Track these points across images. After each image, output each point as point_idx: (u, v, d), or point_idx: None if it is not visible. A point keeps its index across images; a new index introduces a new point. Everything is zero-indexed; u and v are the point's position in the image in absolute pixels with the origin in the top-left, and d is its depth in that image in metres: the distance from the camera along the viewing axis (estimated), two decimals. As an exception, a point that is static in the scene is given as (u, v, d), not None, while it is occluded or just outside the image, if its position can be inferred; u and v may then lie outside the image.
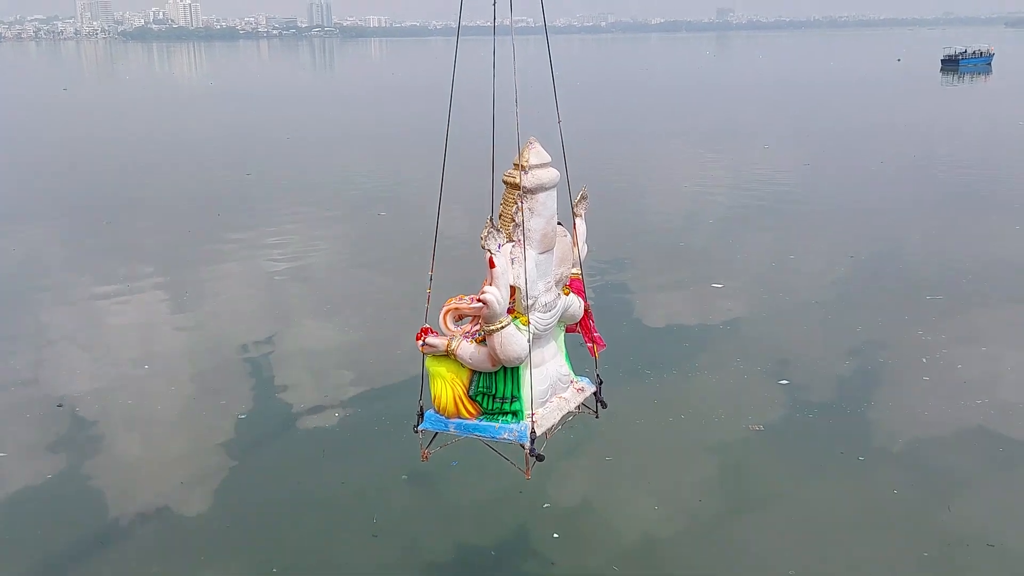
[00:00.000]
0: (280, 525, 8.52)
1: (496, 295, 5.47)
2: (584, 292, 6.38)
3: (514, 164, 5.64)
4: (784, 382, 11.66)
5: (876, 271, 16.97)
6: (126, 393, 11.55)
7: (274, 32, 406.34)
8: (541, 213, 5.68)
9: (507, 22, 5.83)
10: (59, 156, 33.05)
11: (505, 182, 5.71)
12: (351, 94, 57.12)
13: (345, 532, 8.39)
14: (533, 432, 5.67)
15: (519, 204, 5.58)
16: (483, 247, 5.46)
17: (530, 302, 5.66)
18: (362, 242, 19.80)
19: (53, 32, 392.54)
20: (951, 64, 78.51)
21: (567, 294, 6.17)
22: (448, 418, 5.84)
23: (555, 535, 8.21)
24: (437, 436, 6.00)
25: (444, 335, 5.73)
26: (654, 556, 8.00)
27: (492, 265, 5.47)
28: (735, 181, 26.78)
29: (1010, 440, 10.05)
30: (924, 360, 12.34)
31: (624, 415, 10.39)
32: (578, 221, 6.23)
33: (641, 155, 32.63)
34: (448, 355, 5.73)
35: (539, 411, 5.89)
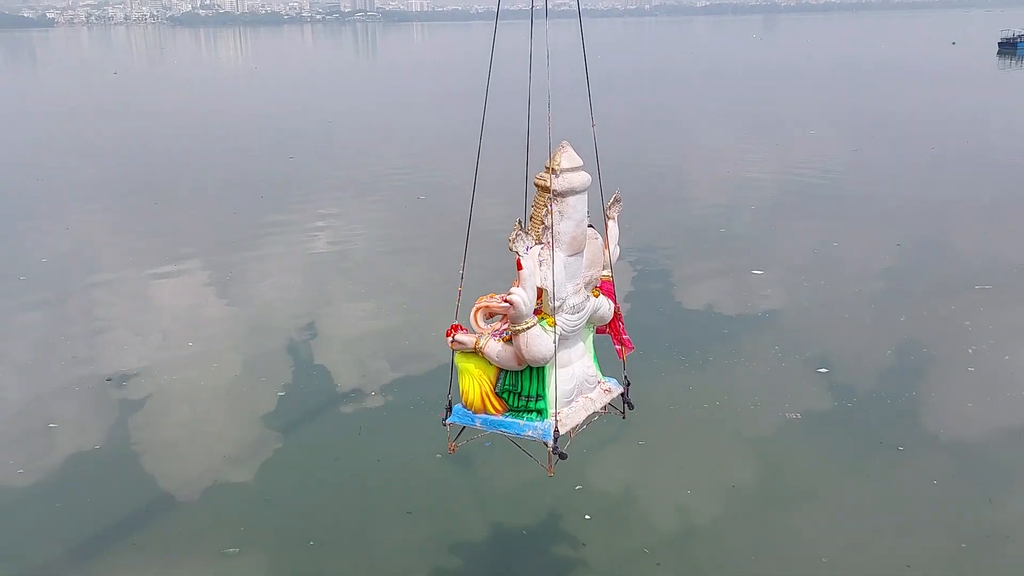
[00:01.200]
0: (317, 500, 8.68)
1: (523, 296, 5.58)
2: (614, 294, 6.44)
3: (545, 167, 5.70)
4: (823, 370, 11.53)
5: (923, 260, 16.67)
6: (171, 370, 11.81)
7: (317, 17, 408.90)
8: (571, 216, 5.74)
9: (543, 6, 5.80)
10: (109, 139, 33.71)
11: (536, 185, 5.77)
12: (393, 79, 57.36)
13: (380, 509, 8.51)
14: (556, 431, 5.79)
15: (549, 207, 5.65)
16: (511, 249, 5.57)
17: (557, 304, 5.74)
18: (401, 226, 19.93)
19: (104, 18, 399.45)
20: (1008, 47, 76.17)
21: (597, 296, 6.23)
22: (475, 413, 5.99)
23: (587, 516, 8.25)
24: (464, 430, 6.15)
25: (474, 332, 5.86)
26: (686, 540, 8.00)
27: (520, 267, 5.58)
28: (779, 168, 26.43)
29: (1055, 433, 9.85)
30: (970, 351, 12.11)
31: (659, 401, 10.39)
32: (610, 224, 6.29)
33: (683, 141, 32.34)
34: (476, 352, 5.87)
35: (564, 410, 6.01)
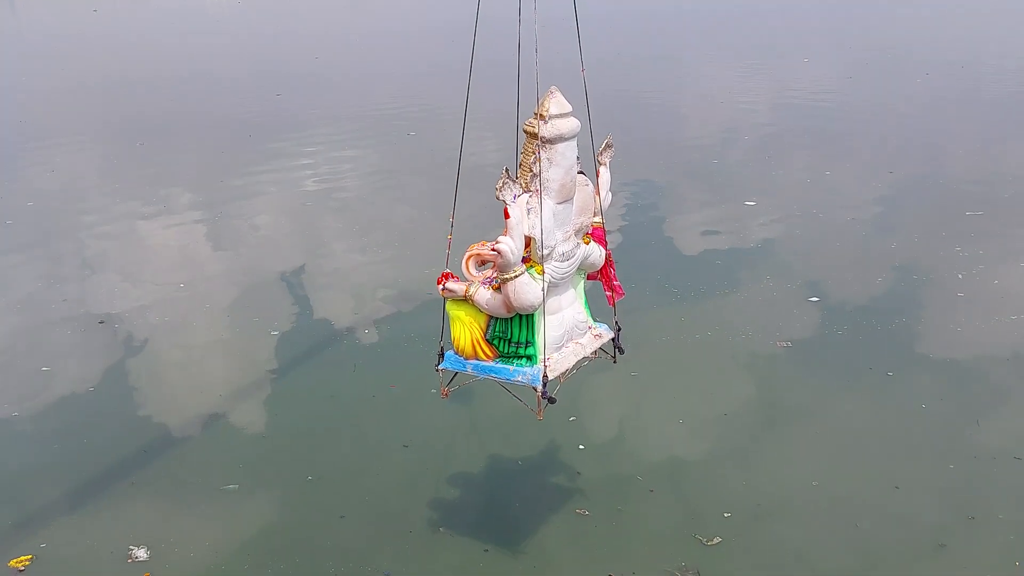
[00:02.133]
0: (314, 437, 8.78)
1: (510, 245, 5.62)
2: (605, 241, 6.48)
3: (535, 113, 5.66)
4: (814, 299, 11.60)
5: (915, 187, 16.63)
6: (163, 311, 11.83)
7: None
8: (560, 163, 5.71)
9: None
10: (92, 78, 33.15)
11: (525, 132, 5.75)
12: (381, 15, 56.28)
13: (376, 443, 8.63)
14: (545, 376, 5.90)
15: (537, 155, 5.63)
16: (498, 198, 5.59)
17: (546, 252, 5.78)
18: (392, 163, 19.78)
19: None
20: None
21: (587, 243, 6.26)
22: (467, 359, 6.11)
23: (580, 446, 8.36)
24: (457, 375, 6.29)
25: (466, 280, 5.94)
26: (679, 467, 8.13)
27: (507, 216, 5.61)
28: (773, 96, 26.17)
29: (1043, 356, 9.97)
30: (960, 276, 12.18)
31: (651, 332, 10.47)
32: (602, 169, 6.28)
33: (674, 70, 31.93)
34: (466, 300, 5.96)
35: (554, 356, 6.11)
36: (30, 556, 7.14)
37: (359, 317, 11.49)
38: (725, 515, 7.41)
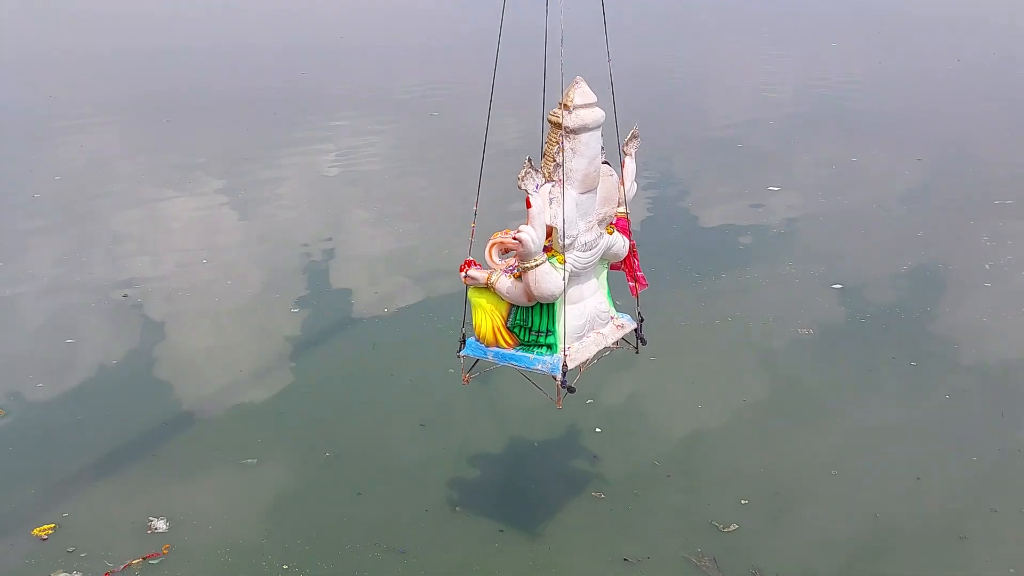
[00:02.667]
0: (333, 414, 8.81)
1: (531, 234, 5.63)
2: (630, 232, 6.45)
3: (559, 104, 5.66)
4: (838, 286, 11.48)
5: (943, 174, 16.41)
6: (187, 286, 11.89)
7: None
8: (584, 153, 5.70)
9: None
10: (120, 55, 33.30)
11: (550, 121, 5.75)
12: (407, -9, 56.15)
13: (394, 421, 8.64)
14: (565, 365, 5.93)
15: (560, 144, 5.63)
16: (520, 187, 5.60)
17: (567, 241, 5.79)
18: (415, 142, 19.75)
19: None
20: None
21: (611, 233, 6.25)
22: (488, 346, 6.17)
23: (598, 429, 8.34)
24: (478, 362, 6.34)
25: (489, 267, 5.96)
26: (696, 453, 8.09)
27: (528, 205, 5.62)
28: (800, 80, 25.87)
29: (1071, 348, 9.82)
30: (987, 266, 12.01)
31: (671, 316, 10.40)
32: (627, 160, 6.26)
33: (700, 52, 31.62)
34: (488, 288, 5.99)
35: (574, 345, 6.12)
36: (53, 525, 7.23)
37: (379, 296, 11.51)
38: (742, 502, 7.37)
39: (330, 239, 13.62)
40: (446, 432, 8.44)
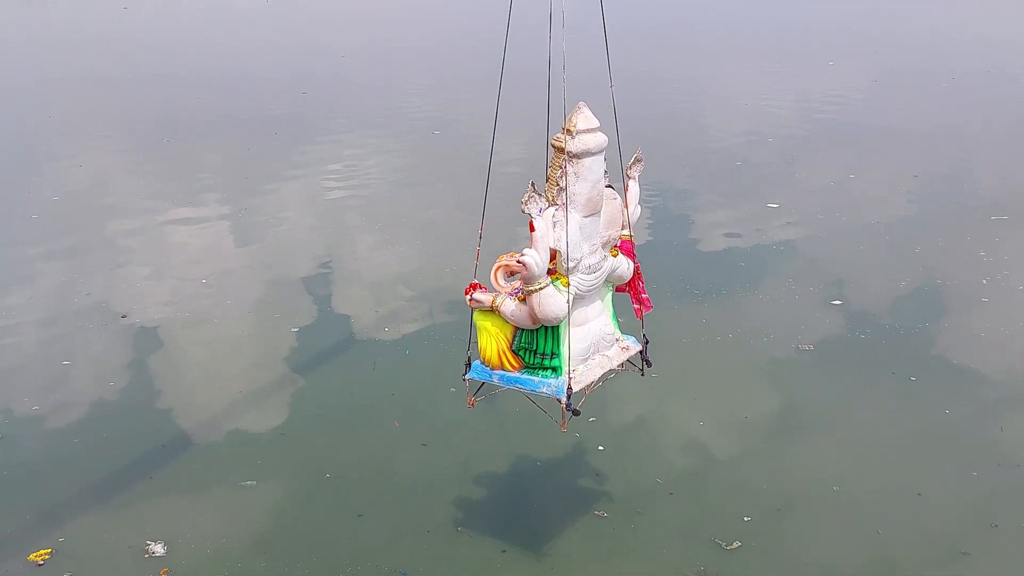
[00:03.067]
0: (333, 434, 8.79)
1: (535, 258, 5.69)
2: (634, 254, 6.51)
3: (563, 128, 5.74)
4: (837, 302, 11.49)
5: (940, 191, 16.47)
6: (186, 307, 11.89)
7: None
8: (587, 178, 5.78)
9: None
10: (119, 74, 33.43)
11: (553, 146, 5.83)
12: (408, 15, 56.39)
13: (395, 441, 8.62)
14: (570, 388, 5.97)
15: (564, 169, 5.70)
16: (524, 211, 5.67)
17: (571, 264, 5.85)
18: (417, 162, 19.79)
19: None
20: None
21: (615, 256, 6.31)
22: (493, 369, 6.22)
23: (600, 447, 8.32)
24: (484, 385, 6.38)
25: (495, 290, 6.02)
26: (698, 470, 8.08)
27: (532, 229, 5.68)
28: (797, 98, 26.00)
29: (1070, 363, 9.81)
30: (984, 281, 12.03)
31: (672, 333, 10.39)
32: (631, 183, 6.35)
33: (698, 70, 31.78)
34: (493, 310, 6.04)
35: (579, 368, 6.18)
36: (49, 550, 7.19)
37: (379, 315, 11.50)
38: (745, 519, 7.34)
39: (330, 259, 13.63)
40: (447, 451, 8.41)
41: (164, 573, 6.92)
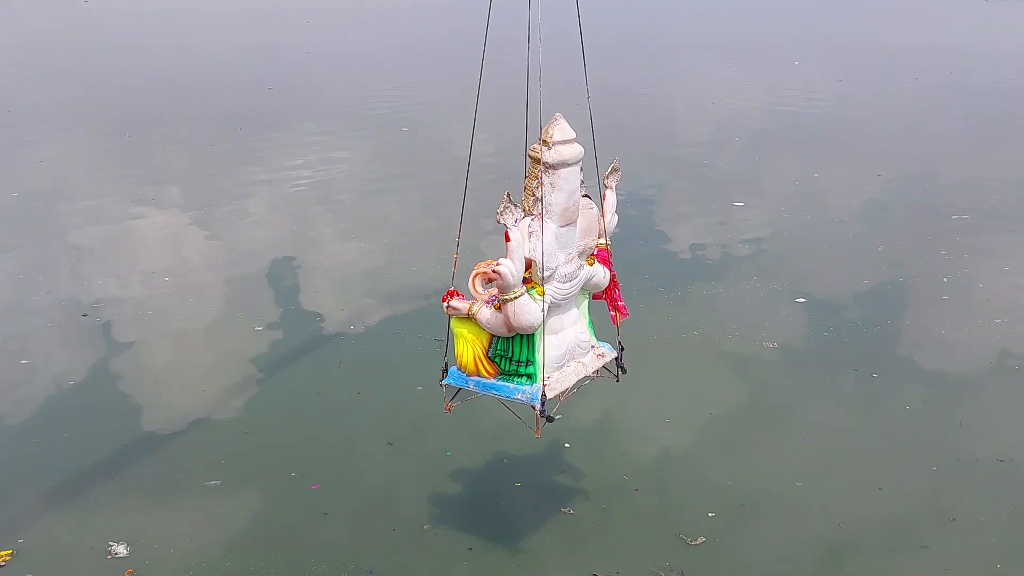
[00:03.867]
0: (298, 433, 8.73)
1: (510, 267, 5.76)
2: (611, 263, 6.61)
3: (539, 139, 5.83)
4: (801, 300, 11.62)
5: (902, 190, 16.71)
6: (148, 305, 11.74)
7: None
8: (563, 188, 5.87)
9: None
10: (80, 69, 32.95)
11: (530, 157, 5.91)
12: (375, 11, 56.13)
13: (361, 440, 8.58)
14: (544, 395, 6.06)
15: (540, 179, 5.78)
16: (499, 222, 5.75)
17: (547, 273, 5.93)
18: (384, 158, 19.72)
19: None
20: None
21: (592, 264, 6.41)
22: (469, 375, 6.29)
23: (567, 445, 8.35)
24: (460, 391, 6.46)
25: (473, 297, 6.07)
26: (664, 466, 8.13)
27: (507, 239, 5.76)
28: (763, 99, 26.26)
29: (1027, 359, 10.01)
30: (945, 279, 12.23)
31: (638, 331, 10.40)
32: (608, 193, 6.47)
33: (666, 71, 31.98)
34: (470, 318, 6.11)
35: (554, 375, 6.27)
36: (10, 552, 7.07)
37: (345, 313, 11.44)
38: (710, 515, 7.40)
39: (296, 257, 13.53)
40: (413, 450, 8.39)
41: (128, 574, 6.84)
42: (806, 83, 28.47)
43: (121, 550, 7.08)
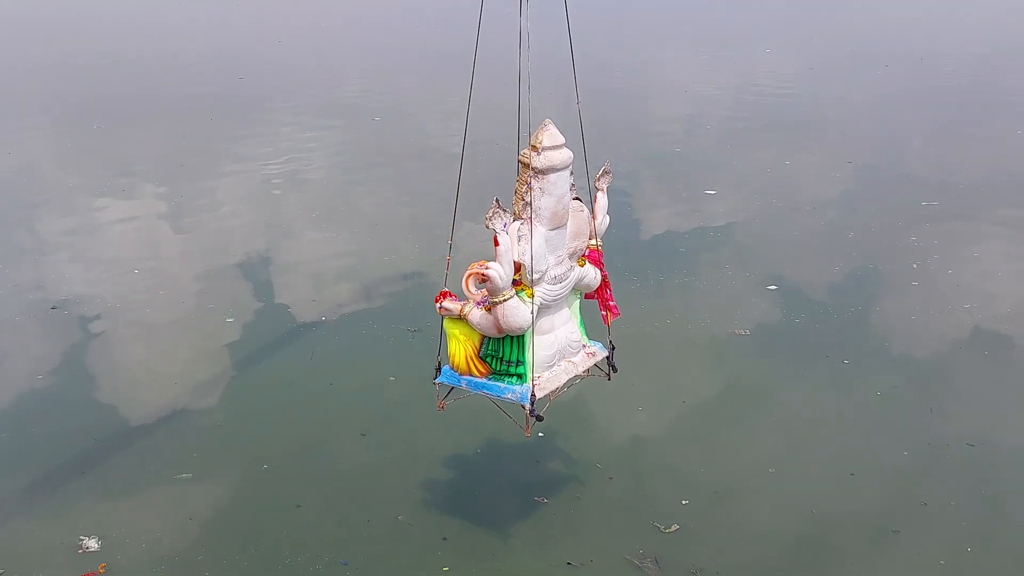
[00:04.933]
0: (270, 425, 8.67)
1: (499, 271, 5.86)
2: (602, 263, 6.73)
3: (530, 145, 5.94)
4: (773, 287, 11.69)
5: (873, 177, 16.84)
6: (118, 297, 11.60)
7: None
8: (552, 192, 5.97)
9: None
10: (48, 60, 32.42)
11: (520, 161, 6.02)
12: (350, 6, 55.69)
13: (333, 431, 8.54)
14: (533, 395, 6.18)
15: (529, 184, 5.90)
16: (488, 227, 5.85)
17: (536, 276, 6.03)
18: (356, 148, 19.58)
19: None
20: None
21: (582, 265, 6.53)
22: (461, 375, 6.40)
23: (540, 434, 8.34)
24: (452, 390, 6.57)
25: (466, 297, 6.16)
26: (638, 455, 8.16)
27: (496, 243, 5.86)
28: (735, 86, 26.34)
29: (995, 344, 10.13)
30: (915, 265, 12.35)
31: (613, 321, 10.44)
32: (599, 195, 6.57)
33: (638, 59, 31.99)
34: (461, 318, 6.20)
35: (544, 374, 6.40)
36: (-23, 548, 6.98)
37: (317, 304, 11.36)
38: (683, 502, 7.44)
39: (267, 247, 13.42)
40: (386, 441, 8.36)
41: (102, 569, 6.77)
42: (777, 71, 28.60)
43: (92, 544, 7.01)
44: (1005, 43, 35.01)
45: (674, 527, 7.13)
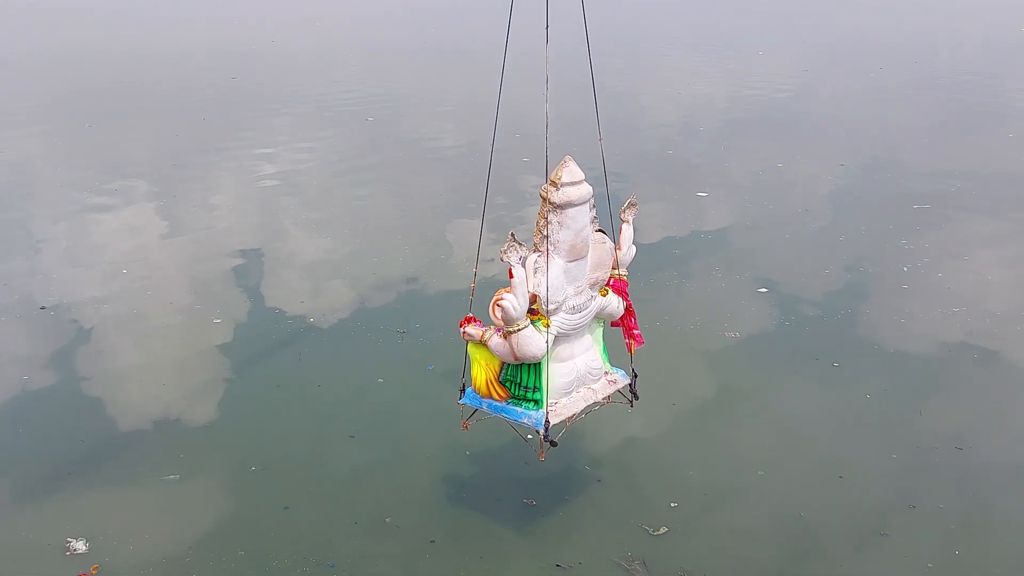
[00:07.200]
0: (258, 427, 8.64)
1: (512, 302, 6.09)
2: (627, 293, 6.95)
3: (549, 180, 6.15)
4: (763, 290, 11.70)
5: (865, 180, 16.87)
6: (107, 298, 11.56)
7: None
8: (570, 226, 6.17)
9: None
10: (39, 57, 32.30)
11: (540, 196, 6.25)
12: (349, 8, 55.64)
13: (322, 432, 8.52)
14: (547, 421, 6.39)
15: (547, 218, 6.09)
16: (503, 259, 6.07)
17: (553, 307, 6.23)
18: (349, 149, 19.54)
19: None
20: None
21: (605, 295, 6.72)
22: (482, 397, 6.65)
23: (528, 436, 8.31)
24: (476, 411, 6.80)
25: (492, 322, 6.34)
26: (627, 457, 8.16)
27: (511, 275, 6.08)
28: (728, 89, 26.37)
29: (984, 348, 10.15)
30: (905, 269, 12.37)
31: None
32: (624, 227, 6.84)
33: (633, 61, 32.01)
34: (482, 344, 6.42)
35: (562, 400, 6.61)
36: (-37, 549, 6.94)
37: (306, 305, 11.33)
38: (672, 505, 7.44)
39: (258, 248, 13.38)
40: (374, 443, 8.34)
41: (95, 570, 6.74)
42: (770, 73, 28.65)
43: (80, 546, 6.98)
44: (999, 47, 35.12)
45: (663, 530, 7.14)
